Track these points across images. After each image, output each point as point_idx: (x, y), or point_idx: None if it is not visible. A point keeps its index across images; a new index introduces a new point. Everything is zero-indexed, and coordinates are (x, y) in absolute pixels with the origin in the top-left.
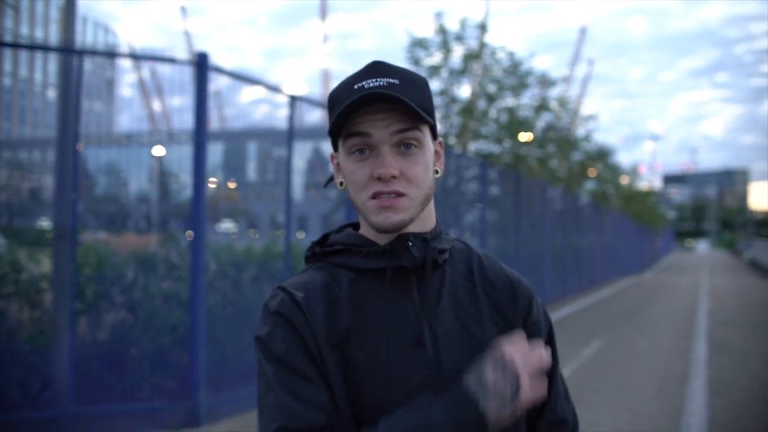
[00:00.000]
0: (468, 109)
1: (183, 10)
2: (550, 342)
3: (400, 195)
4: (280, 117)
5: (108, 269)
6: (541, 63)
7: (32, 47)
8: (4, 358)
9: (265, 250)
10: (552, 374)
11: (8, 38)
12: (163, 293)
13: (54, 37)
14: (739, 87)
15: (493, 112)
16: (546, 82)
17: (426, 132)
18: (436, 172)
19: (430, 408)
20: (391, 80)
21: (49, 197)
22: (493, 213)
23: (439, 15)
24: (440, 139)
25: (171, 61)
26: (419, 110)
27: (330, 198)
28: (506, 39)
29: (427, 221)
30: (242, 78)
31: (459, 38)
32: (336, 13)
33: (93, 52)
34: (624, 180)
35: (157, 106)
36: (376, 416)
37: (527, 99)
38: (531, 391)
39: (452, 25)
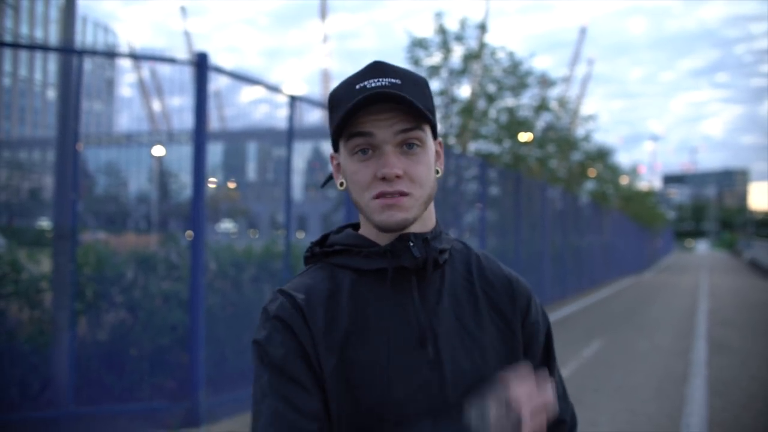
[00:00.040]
0: (468, 109)
1: (183, 10)
2: (548, 341)
3: (403, 194)
4: (279, 117)
5: (108, 269)
6: (541, 63)
7: (32, 47)
8: (4, 358)
9: (265, 250)
10: (550, 374)
11: (8, 38)
12: (163, 293)
13: (54, 37)
14: (739, 87)
15: (492, 112)
16: (546, 82)
17: (428, 132)
18: (437, 172)
19: None
20: (393, 80)
21: (49, 197)
22: (493, 213)
23: (439, 15)
24: (440, 139)
25: (171, 61)
26: (423, 109)
27: (330, 198)
28: (506, 39)
29: (427, 221)
30: (242, 78)
31: (459, 38)
32: (336, 13)
33: (93, 52)
34: (624, 180)
35: (156, 106)
36: (377, 417)
37: (527, 99)
38: (531, 427)
39: (452, 25)
